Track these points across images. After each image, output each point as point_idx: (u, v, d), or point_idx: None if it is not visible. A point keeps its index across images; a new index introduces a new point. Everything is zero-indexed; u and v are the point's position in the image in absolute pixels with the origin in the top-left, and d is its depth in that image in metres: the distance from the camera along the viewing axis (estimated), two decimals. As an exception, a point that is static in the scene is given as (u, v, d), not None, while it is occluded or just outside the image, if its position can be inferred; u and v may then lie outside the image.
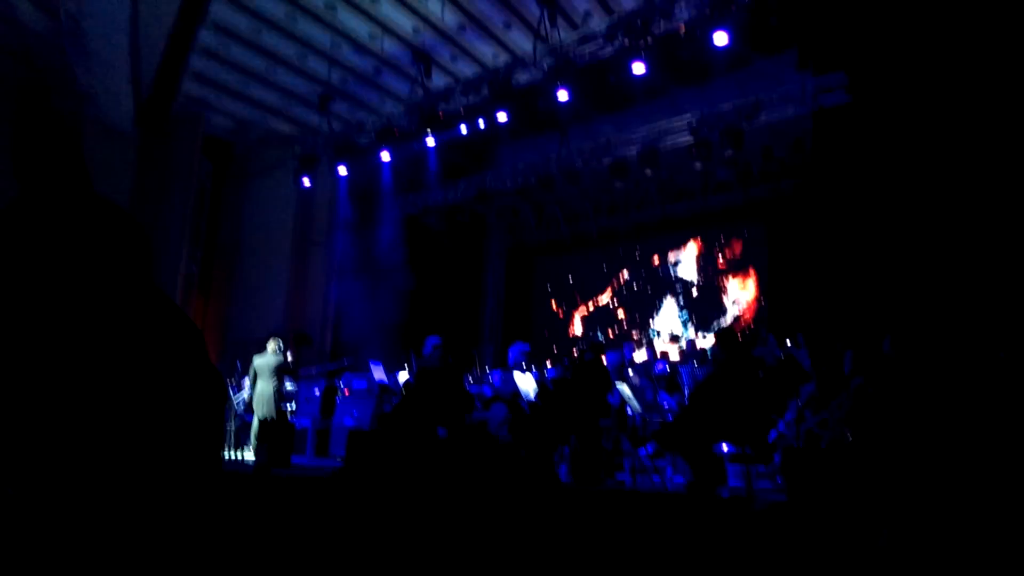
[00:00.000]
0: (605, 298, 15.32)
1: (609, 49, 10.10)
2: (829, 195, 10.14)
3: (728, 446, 6.06)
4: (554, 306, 15.99)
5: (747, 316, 13.16)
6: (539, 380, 7.75)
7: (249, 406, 9.73)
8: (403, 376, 9.36)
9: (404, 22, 12.24)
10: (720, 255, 13.81)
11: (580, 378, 6.95)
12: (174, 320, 0.98)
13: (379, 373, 9.32)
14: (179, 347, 0.95)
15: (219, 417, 1.03)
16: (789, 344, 9.28)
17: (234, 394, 10.24)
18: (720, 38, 9.05)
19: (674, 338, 13.18)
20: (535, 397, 7.53)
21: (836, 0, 9.38)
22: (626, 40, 9.69)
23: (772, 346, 9.87)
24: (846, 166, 9.76)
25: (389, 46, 12.67)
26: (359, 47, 12.80)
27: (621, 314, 15.05)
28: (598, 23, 10.70)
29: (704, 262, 13.99)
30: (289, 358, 9.56)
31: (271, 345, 9.19)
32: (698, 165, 11.06)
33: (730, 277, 13.62)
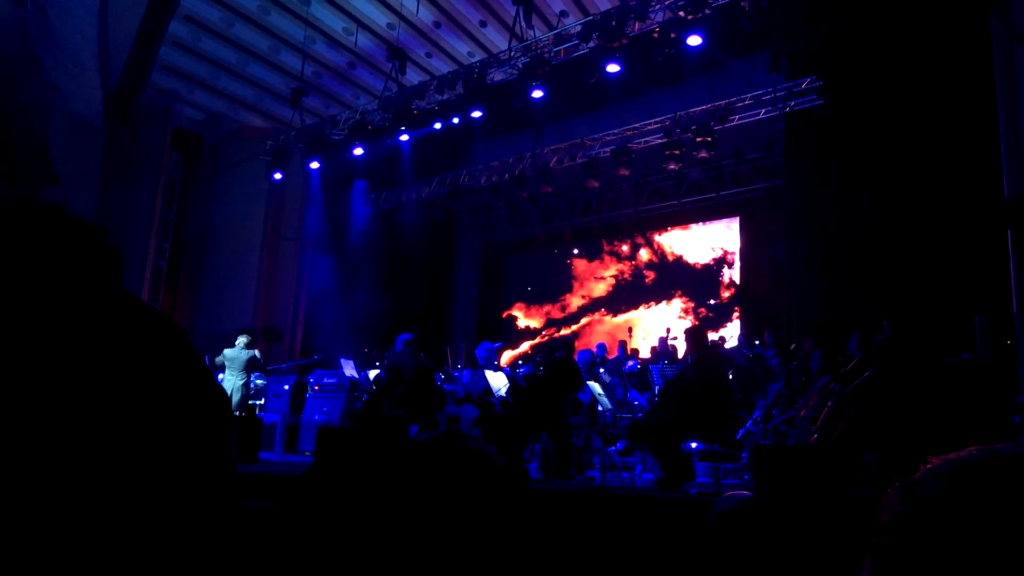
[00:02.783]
0: (578, 296, 15.38)
1: (584, 49, 10.15)
2: (801, 196, 10.28)
3: (696, 443, 6.13)
4: (527, 303, 16.01)
5: (735, 312, 13.30)
6: (510, 377, 7.76)
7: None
8: (374, 373, 9.31)
9: (379, 17, 12.17)
10: (694, 254, 13.94)
11: (551, 375, 6.98)
12: (160, 331, 0.94)
13: (350, 369, 9.26)
14: (169, 358, 0.91)
15: (224, 430, 0.99)
16: (757, 343, 9.41)
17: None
18: (693, 40, 9.14)
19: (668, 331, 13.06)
20: (506, 394, 7.54)
21: (807, 6, 9.52)
22: (601, 40, 9.74)
23: (742, 346, 10.01)
24: (818, 167, 9.91)
25: (364, 41, 12.59)
26: (333, 42, 12.70)
27: (606, 309, 15.12)
28: (573, 23, 10.74)
29: (677, 261, 14.11)
30: (258, 353, 9.47)
31: (241, 339, 9.11)
32: (671, 165, 11.15)
33: (718, 273, 13.74)
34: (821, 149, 9.87)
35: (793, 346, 8.64)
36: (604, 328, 14.64)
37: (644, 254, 14.71)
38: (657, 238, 14.54)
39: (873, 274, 8.92)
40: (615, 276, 15.04)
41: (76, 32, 11.63)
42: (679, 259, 14.21)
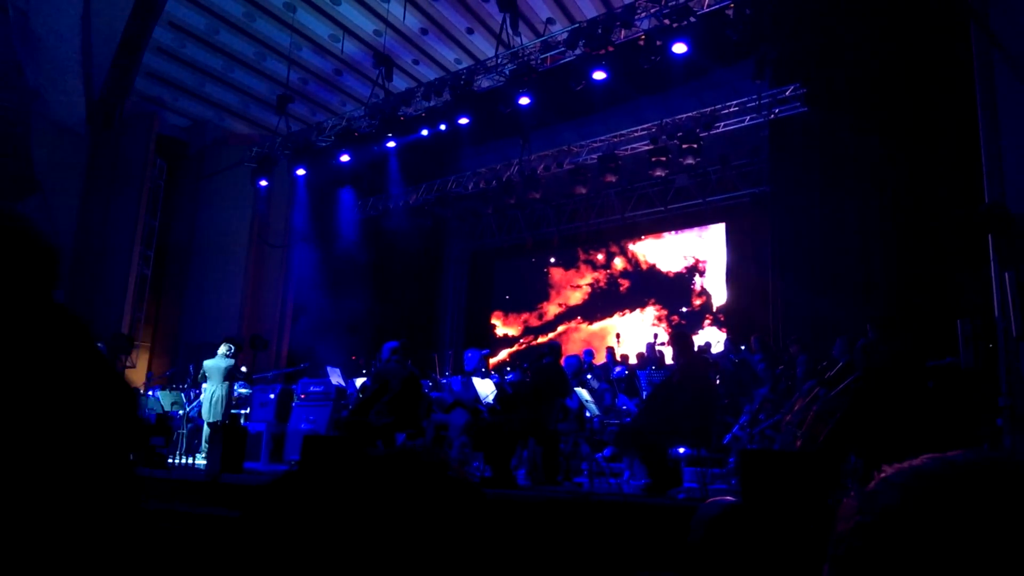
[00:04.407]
0: (572, 301, 15.41)
1: (570, 56, 10.19)
2: (786, 202, 10.36)
3: (684, 449, 6.14)
4: (528, 306, 16.01)
5: (707, 319, 13.36)
6: (498, 384, 7.74)
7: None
8: (360, 381, 9.27)
9: (365, 24, 12.18)
10: (681, 260, 14.00)
11: (538, 382, 6.97)
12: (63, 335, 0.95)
13: (336, 378, 9.21)
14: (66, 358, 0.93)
15: (121, 424, 1.01)
16: (744, 348, 9.44)
17: (189, 399, 10.02)
18: (679, 48, 9.20)
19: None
20: (494, 401, 7.52)
21: (791, 15, 9.61)
22: (587, 48, 9.78)
23: (728, 351, 10.04)
24: (802, 173, 9.98)
25: (350, 48, 12.58)
26: (319, 48, 12.69)
27: (583, 317, 15.15)
28: (560, 30, 10.79)
29: (665, 267, 14.17)
30: (238, 363, 9.40)
31: (222, 348, 9.05)
32: (658, 172, 11.20)
33: (690, 281, 13.82)
34: (805, 155, 9.95)
35: (780, 351, 8.68)
36: (580, 336, 14.68)
37: (619, 263, 14.80)
38: (631, 247, 14.65)
39: (857, 279, 8.99)
40: (591, 284, 15.12)
41: (59, 38, 11.56)
42: (652, 267, 14.32)
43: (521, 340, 15.78)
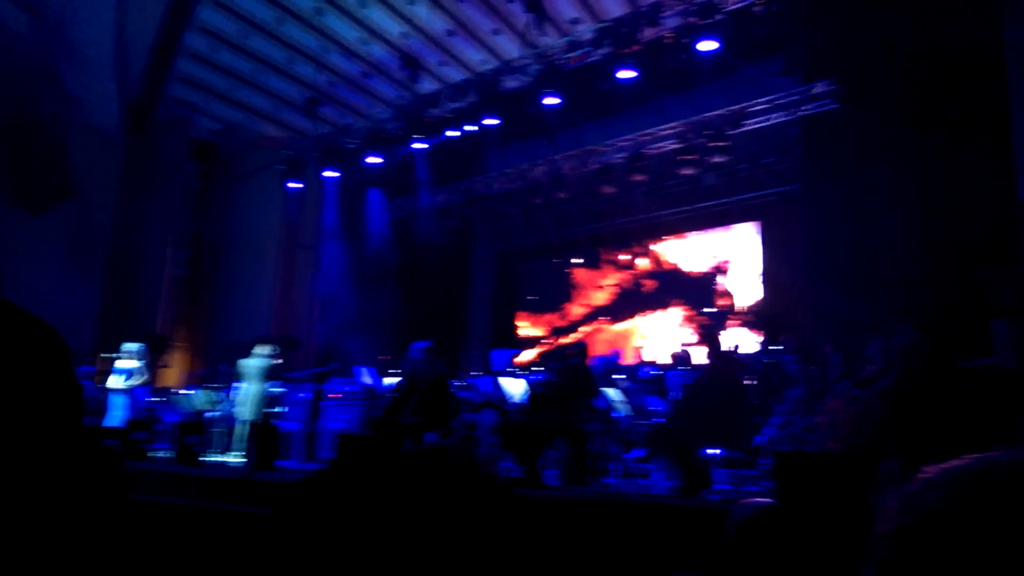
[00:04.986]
0: (596, 301, 15.37)
1: (596, 55, 10.16)
2: (817, 200, 10.22)
3: (714, 450, 6.10)
4: (552, 307, 16.00)
5: (739, 319, 13.24)
6: (526, 384, 7.75)
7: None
8: (391, 380, 9.34)
9: (392, 27, 12.27)
10: (710, 259, 13.89)
11: (566, 381, 6.97)
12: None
13: (366, 377, 9.30)
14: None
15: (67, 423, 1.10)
16: (775, 348, 9.33)
17: (224, 397, 10.19)
18: (706, 46, 9.14)
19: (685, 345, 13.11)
20: (522, 400, 7.53)
21: (820, 9, 9.49)
22: (613, 47, 9.76)
23: (759, 351, 9.94)
24: (834, 170, 9.84)
25: (377, 51, 12.69)
26: (347, 51, 12.81)
27: (610, 318, 15.10)
28: (585, 30, 10.77)
29: (697, 265, 14.07)
30: (277, 362, 9.55)
31: (259, 348, 9.20)
32: (686, 171, 11.13)
33: (714, 281, 13.71)
34: (837, 152, 9.81)
35: (813, 350, 8.56)
36: (604, 336, 14.63)
37: (643, 263, 14.74)
38: (654, 247, 14.58)
39: (891, 277, 8.84)
40: (614, 285, 15.09)
41: (94, 45, 11.83)
42: (676, 268, 14.24)
43: (545, 341, 15.79)
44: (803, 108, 10.23)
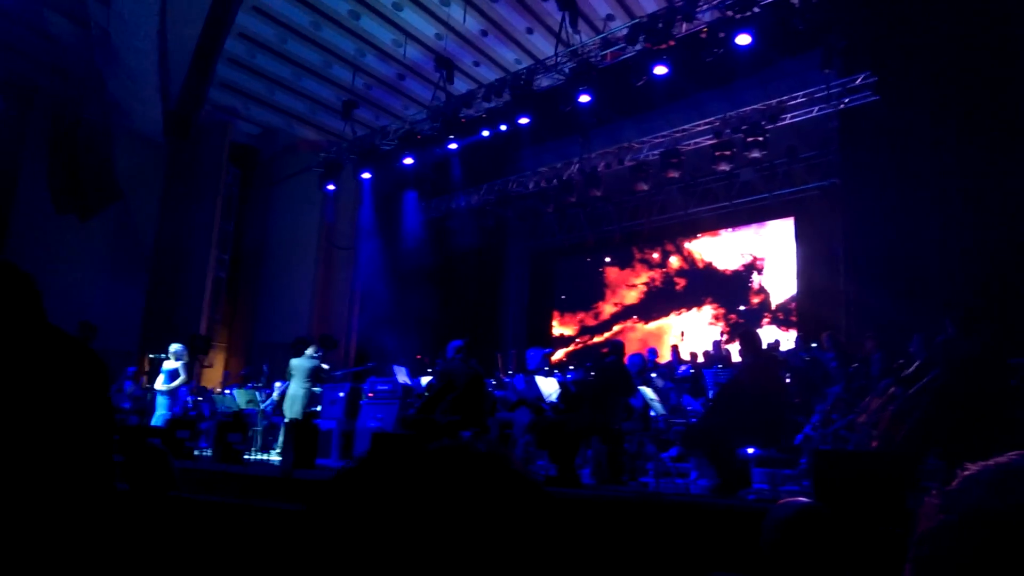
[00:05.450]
0: (628, 300, 15.29)
1: (630, 52, 10.09)
2: (858, 194, 10.01)
3: (753, 449, 6.01)
4: (576, 308, 15.97)
5: (766, 317, 13.05)
6: (561, 383, 7.74)
7: (278, 408, 9.89)
8: (426, 380, 9.42)
9: (427, 28, 12.35)
10: (743, 257, 13.71)
11: (601, 380, 6.94)
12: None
13: (402, 376, 9.38)
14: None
15: (101, 443, 1.23)
16: (815, 346, 9.18)
17: (263, 396, 10.39)
18: (742, 39, 9.00)
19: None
20: (557, 399, 7.52)
21: (860, 1, 9.29)
22: (648, 43, 9.68)
23: (798, 348, 9.77)
24: (875, 164, 9.63)
25: (412, 52, 12.79)
26: (383, 54, 12.93)
27: (638, 317, 15.01)
28: (619, 26, 10.70)
29: (730, 263, 13.90)
30: (324, 365, 9.73)
31: (309, 349, 9.38)
32: (722, 166, 11.00)
33: (748, 279, 13.53)
34: (878, 145, 9.59)
35: (854, 348, 8.40)
36: (636, 335, 14.54)
37: (675, 261, 14.61)
38: (687, 245, 14.45)
39: (934, 272, 8.61)
40: (646, 283, 14.98)
41: (137, 53, 12.13)
42: (709, 265, 14.08)
43: (577, 340, 15.76)
44: (843, 101, 10.03)
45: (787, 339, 11.65)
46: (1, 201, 12.06)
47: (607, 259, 15.69)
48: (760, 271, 13.37)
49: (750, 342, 6.39)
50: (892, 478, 4.44)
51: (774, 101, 10.57)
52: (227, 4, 11.59)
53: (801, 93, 10.46)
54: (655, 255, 14.98)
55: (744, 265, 13.61)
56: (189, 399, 10.74)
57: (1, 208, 12.05)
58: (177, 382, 9.47)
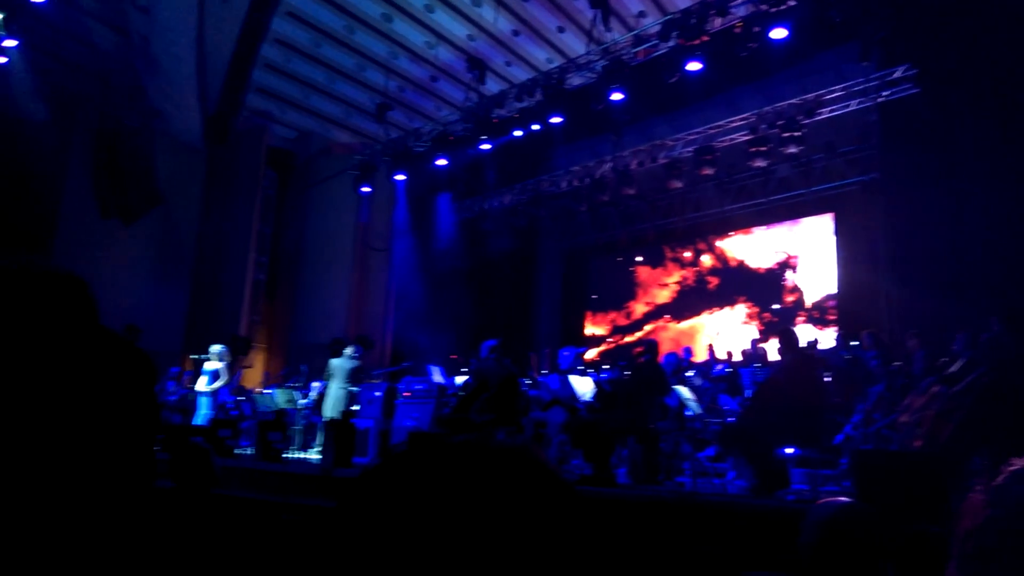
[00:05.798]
0: (659, 299, 15.18)
1: (663, 48, 10.02)
2: (899, 189, 9.80)
3: (792, 449, 5.93)
4: (615, 306, 15.90)
5: (800, 316, 12.83)
6: (596, 382, 7.72)
7: (317, 407, 10.04)
8: (461, 379, 9.47)
9: (459, 30, 12.41)
10: (780, 253, 13.51)
11: (636, 380, 6.91)
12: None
13: (438, 376, 9.45)
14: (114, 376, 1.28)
15: (145, 442, 1.35)
16: (855, 344, 9.00)
17: (301, 396, 10.56)
18: (778, 33, 8.87)
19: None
20: (592, 399, 7.50)
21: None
22: (681, 39, 9.59)
23: (839, 347, 9.60)
24: (917, 158, 9.41)
25: (444, 54, 12.86)
26: (415, 56, 13.03)
27: (670, 316, 14.89)
28: (652, 23, 10.63)
29: (763, 261, 13.71)
30: (358, 363, 9.85)
31: (348, 349, 9.53)
32: (757, 162, 10.85)
33: (794, 274, 13.32)
34: (919, 139, 9.37)
35: (896, 346, 8.22)
36: (668, 335, 14.41)
37: (707, 260, 14.45)
38: (719, 243, 14.28)
39: (978, 269, 8.38)
40: (678, 283, 14.85)
41: (176, 60, 12.41)
42: (741, 264, 13.90)
43: (609, 339, 15.70)
44: (882, 94, 9.83)
45: (823, 338, 11.46)
46: (49, 206, 12.43)
47: (638, 258, 15.60)
48: (794, 269, 13.17)
49: (789, 340, 6.30)
50: (937, 478, 4.35)
51: (811, 95, 10.41)
52: (263, 10, 11.79)
53: (839, 87, 10.28)
54: (687, 254, 14.85)
55: (778, 263, 13.42)
56: (230, 399, 10.95)
57: (49, 213, 12.42)
58: (218, 383, 9.67)
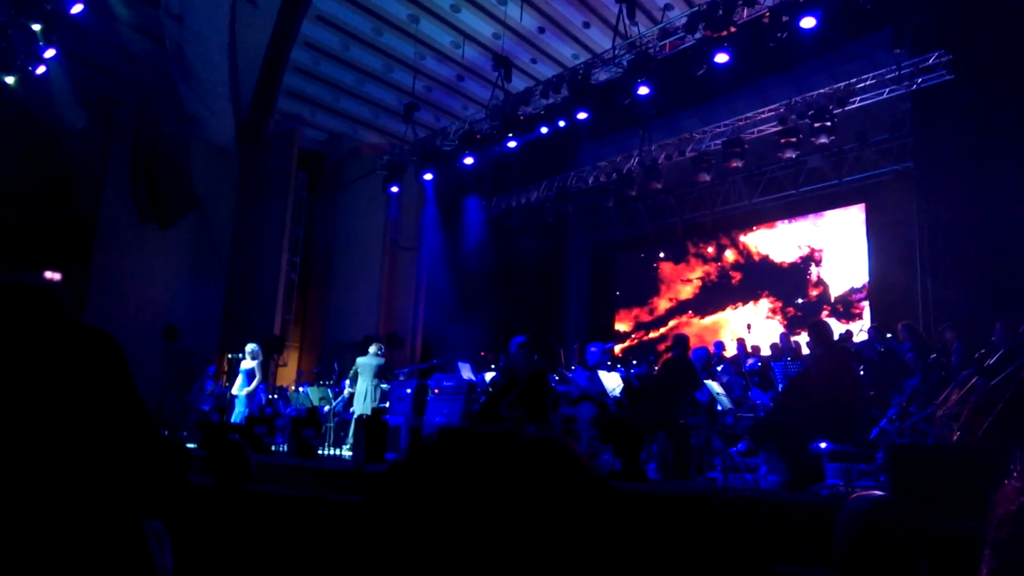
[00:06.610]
0: (683, 295, 15.07)
1: (690, 41, 9.94)
2: (934, 178, 9.61)
3: (826, 443, 5.86)
4: (639, 302, 15.83)
5: (825, 309, 12.65)
6: (624, 377, 7.70)
7: (348, 404, 10.18)
8: (490, 375, 9.52)
9: (484, 28, 12.45)
10: (804, 247, 13.33)
11: (666, 375, 6.88)
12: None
13: (467, 372, 9.51)
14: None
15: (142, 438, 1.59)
16: (890, 336, 8.85)
17: (334, 393, 10.71)
18: (807, 22, 8.74)
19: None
20: (621, 394, 7.49)
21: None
22: (708, 31, 9.50)
23: (872, 339, 9.45)
24: (952, 146, 9.21)
25: (470, 53, 12.91)
26: (441, 56, 13.11)
27: (693, 311, 14.78)
28: (678, 15, 10.55)
29: (786, 255, 13.54)
30: (387, 360, 9.99)
31: (372, 347, 9.65)
32: (787, 154, 10.71)
33: (806, 271, 13.15)
34: (954, 127, 9.17)
35: (932, 338, 8.06)
36: (692, 330, 14.31)
37: (730, 255, 14.30)
38: (742, 238, 14.13)
39: (1017, 258, 8.19)
40: (701, 278, 14.73)
41: (209, 66, 12.64)
42: (765, 258, 13.73)
43: (632, 335, 15.63)
44: (915, 82, 9.64)
45: (863, 329, 11.28)
46: (88, 211, 12.75)
47: (661, 254, 15.52)
48: (818, 263, 13.00)
49: (821, 333, 6.22)
50: (975, 472, 4.27)
51: (842, 84, 10.24)
52: (293, 14, 11.96)
53: (870, 75, 10.09)
54: (710, 249, 14.73)
55: (801, 257, 13.24)
56: (264, 397, 11.16)
57: (89, 218, 12.74)
58: (253, 384, 9.87)
